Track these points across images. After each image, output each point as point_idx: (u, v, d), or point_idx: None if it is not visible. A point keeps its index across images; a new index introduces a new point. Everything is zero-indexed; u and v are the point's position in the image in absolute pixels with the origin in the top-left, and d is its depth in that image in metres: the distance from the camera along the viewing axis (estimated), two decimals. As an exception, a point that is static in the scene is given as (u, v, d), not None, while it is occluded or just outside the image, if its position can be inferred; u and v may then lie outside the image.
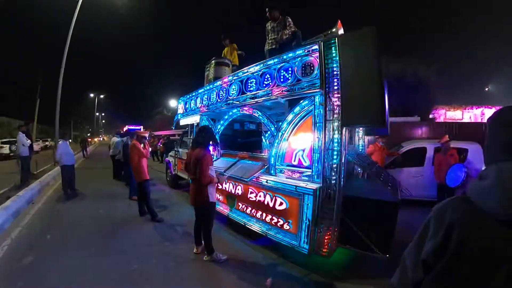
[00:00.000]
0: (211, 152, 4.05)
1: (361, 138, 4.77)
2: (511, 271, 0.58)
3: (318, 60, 2.69)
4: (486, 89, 24.89)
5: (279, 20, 3.95)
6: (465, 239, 0.66)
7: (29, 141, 7.42)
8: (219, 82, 4.45)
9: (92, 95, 43.11)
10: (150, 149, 5.47)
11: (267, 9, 4.02)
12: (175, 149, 7.35)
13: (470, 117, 12.28)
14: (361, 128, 4.31)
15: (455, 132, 7.22)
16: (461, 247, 0.65)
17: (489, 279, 0.61)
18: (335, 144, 2.62)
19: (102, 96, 46.32)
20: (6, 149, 15.95)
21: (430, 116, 11.91)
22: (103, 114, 64.09)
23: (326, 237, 2.67)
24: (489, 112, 12.07)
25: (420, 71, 11.41)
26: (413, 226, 4.26)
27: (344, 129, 2.62)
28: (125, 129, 18.91)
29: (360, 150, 4.54)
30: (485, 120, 11.14)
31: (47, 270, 2.86)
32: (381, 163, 5.35)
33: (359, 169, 4.11)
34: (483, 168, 0.74)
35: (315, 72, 2.72)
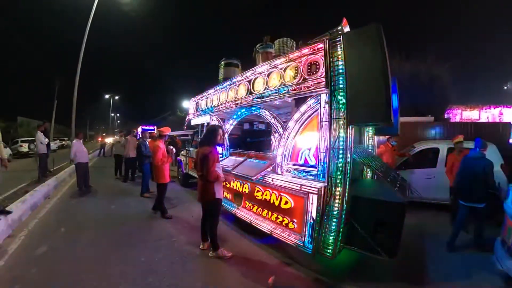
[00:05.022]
0: (219, 151, 4.11)
1: (371, 138, 4.69)
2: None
3: (323, 58, 2.69)
4: (505, 87, 23.75)
5: None
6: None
7: (47, 139, 7.75)
8: (228, 83, 4.51)
9: (107, 96, 44.27)
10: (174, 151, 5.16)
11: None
12: (186, 148, 7.50)
13: (487, 117, 11.76)
14: (370, 128, 4.23)
15: (471, 132, 6.97)
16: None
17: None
18: (341, 143, 2.59)
19: (117, 97, 47.50)
20: (25, 148, 16.71)
21: (445, 116, 11.52)
22: (118, 114, 65.78)
23: (330, 238, 2.64)
24: (508, 112, 11.55)
25: (434, 70, 11.03)
26: (422, 230, 4.19)
27: (350, 128, 2.59)
28: (139, 129, 19.21)
29: (370, 150, 4.46)
30: (503, 120, 10.71)
31: (60, 260, 3.03)
32: (391, 163, 5.23)
33: (366, 169, 4.05)
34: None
35: (321, 70, 2.71)
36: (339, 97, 2.58)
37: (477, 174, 3.33)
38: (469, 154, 3.61)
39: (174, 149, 4.98)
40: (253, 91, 3.73)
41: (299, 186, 2.80)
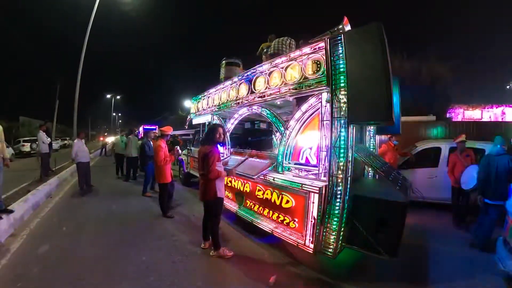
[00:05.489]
0: (221, 150, 4.11)
1: (372, 137, 4.69)
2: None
3: (324, 57, 2.68)
4: (508, 86, 23.66)
5: None
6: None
7: (48, 139, 7.79)
8: (229, 82, 4.51)
9: (108, 96, 44.34)
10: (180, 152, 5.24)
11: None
12: (188, 147, 7.52)
13: (490, 117, 11.70)
14: (371, 127, 4.21)
15: (473, 132, 6.93)
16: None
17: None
18: (342, 142, 2.58)
19: (118, 97, 47.55)
20: (27, 147, 16.78)
21: (447, 115, 11.46)
22: (120, 114, 65.90)
23: (331, 237, 2.63)
24: (510, 111, 11.48)
25: (436, 69, 10.98)
26: (423, 230, 4.19)
27: (351, 127, 2.58)
28: (141, 129, 19.25)
29: (371, 149, 4.45)
30: (505, 120, 10.65)
31: (62, 259, 3.04)
32: (393, 163, 5.21)
33: (368, 168, 4.04)
34: None
35: (322, 69, 2.71)
36: (340, 96, 2.57)
37: (503, 170, 3.37)
38: (491, 152, 3.62)
39: (178, 148, 5.00)
40: (254, 90, 3.72)
41: (300, 185, 2.79)
